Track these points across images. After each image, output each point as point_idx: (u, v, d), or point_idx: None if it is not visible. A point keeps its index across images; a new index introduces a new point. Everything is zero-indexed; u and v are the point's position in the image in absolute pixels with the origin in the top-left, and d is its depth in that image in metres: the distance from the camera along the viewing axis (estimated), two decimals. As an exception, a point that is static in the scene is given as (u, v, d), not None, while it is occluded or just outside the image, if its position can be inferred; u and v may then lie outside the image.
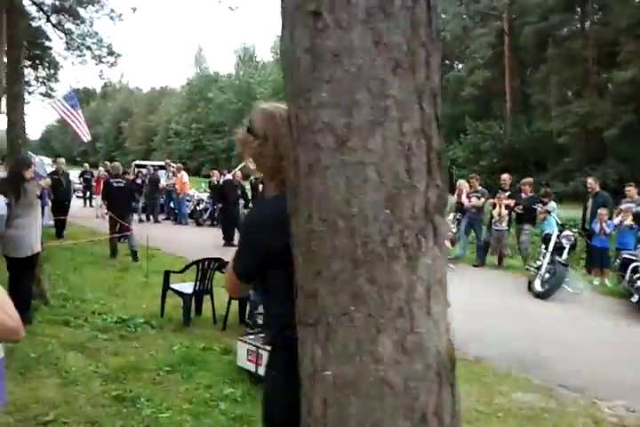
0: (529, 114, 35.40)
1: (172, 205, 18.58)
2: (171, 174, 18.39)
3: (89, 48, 17.36)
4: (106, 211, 12.14)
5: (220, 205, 14.19)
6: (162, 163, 20.89)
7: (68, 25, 16.43)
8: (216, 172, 17.91)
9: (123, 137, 74.51)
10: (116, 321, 6.06)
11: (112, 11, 16.00)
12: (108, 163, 19.65)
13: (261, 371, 4.56)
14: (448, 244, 10.84)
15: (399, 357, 1.44)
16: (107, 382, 4.49)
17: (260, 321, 4.99)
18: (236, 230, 13.25)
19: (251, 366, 4.67)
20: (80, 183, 22.50)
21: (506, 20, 35.34)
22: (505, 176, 11.94)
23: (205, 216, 17.63)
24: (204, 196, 18.28)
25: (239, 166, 19.97)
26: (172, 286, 6.49)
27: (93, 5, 16.33)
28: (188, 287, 6.37)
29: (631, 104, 28.08)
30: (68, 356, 4.91)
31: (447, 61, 45.15)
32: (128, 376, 4.62)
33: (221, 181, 15.96)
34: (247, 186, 15.16)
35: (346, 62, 1.36)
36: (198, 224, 17.50)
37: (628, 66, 27.16)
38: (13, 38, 6.36)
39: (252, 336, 4.87)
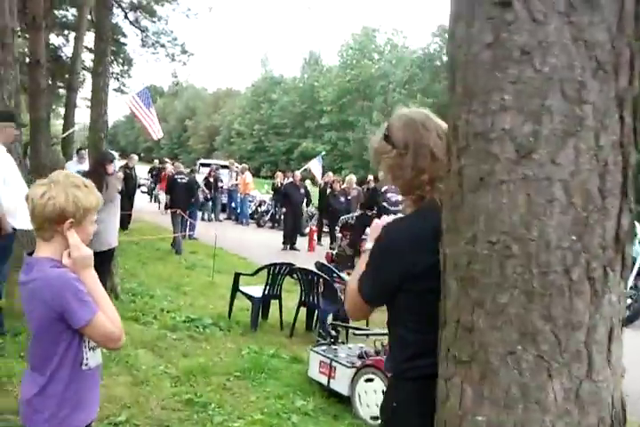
0: None
1: (233, 204, 18.68)
2: (234, 174, 18.49)
3: (163, 46, 17.68)
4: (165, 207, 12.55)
5: (283, 210, 14.09)
6: (226, 162, 21.07)
7: (145, 22, 16.79)
8: (280, 173, 17.91)
9: (187, 135, 76.08)
10: (185, 320, 6.01)
11: (188, 9, 16.22)
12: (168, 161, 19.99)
13: (334, 384, 4.41)
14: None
15: (571, 407, 1.23)
16: (177, 383, 4.41)
17: (334, 332, 4.82)
18: (297, 234, 13.19)
19: (322, 379, 4.50)
20: (147, 179, 22.98)
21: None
22: None
23: (267, 218, 17.63)
24: (267, 197, 18.29)
25: (302, 169, 20.01)
26: (241, 288, 6.40)
27: (170, 3, 16.59)
28: (257, 291, 6.27)
29: None
30: (139, 354, 4.86)
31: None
32: (198, 379, 4.53)
33: (284, 184, 15.97)
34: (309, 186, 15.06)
35: (537, 61, 1.17)
36: (259, 225, 17.51)
37: None
38: (102, 32, 6.42)
39: (324, 347, 4.71)
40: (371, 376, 4.12)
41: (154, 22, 17.26)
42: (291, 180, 14.79)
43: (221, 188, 18.39)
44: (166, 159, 25.62)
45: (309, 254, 12.90)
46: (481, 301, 1.26)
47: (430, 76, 42.68)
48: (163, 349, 5.12)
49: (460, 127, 1.28)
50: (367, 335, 4.47)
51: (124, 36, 19.05)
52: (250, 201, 18.52)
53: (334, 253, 9.96)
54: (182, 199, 11.48)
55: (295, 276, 6.23)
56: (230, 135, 65.14)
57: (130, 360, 4.68)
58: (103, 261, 5.53)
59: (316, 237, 13.61)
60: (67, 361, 1.83)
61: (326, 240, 13.87)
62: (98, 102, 6.30)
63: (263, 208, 17.88)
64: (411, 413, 1.64)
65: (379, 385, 4.03)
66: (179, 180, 11.87)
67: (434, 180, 1.63)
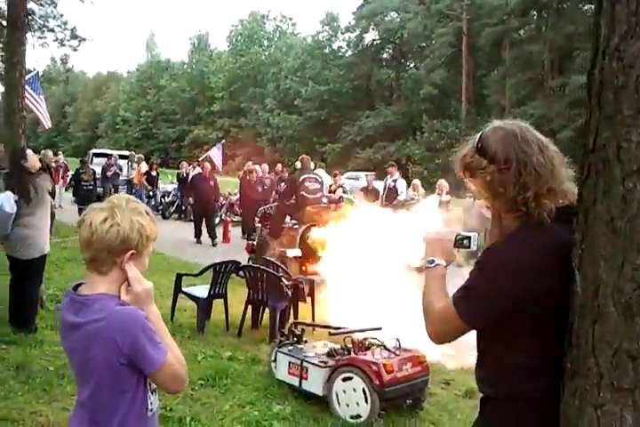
0: (485, 114, 36.01)
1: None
2: (136, 165, 17.69)
3: (52, 30, 16.41)
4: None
5: (190, 200, 13.57)
6: (125, 152, 20.09)
7: (31, 5, 15.42)
8: (185, 164, 17.34)
9: (66, 122, 71.63)
10: (126, 327, 5.65)
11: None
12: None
13: (306, 385, 4.33)
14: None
15: None
16: (140, 397, 4.13)
17: (297, 331, 4.72)
18: (213, 227, 12.81)
19: (293, 380, 4.40)
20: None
21: (464, 21, 35.85)
22: None
23: (172, 209, 17.04)
24: (171, 188, 17.67)
25: (202, 157, 19.49)
26: (184, 289, 6.12)
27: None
28: (201, 291, 6.02)
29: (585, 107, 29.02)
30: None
31: (405, 60, 45.63)
32: (160, 391, 4.26)
33: (191, 175, 15.48)
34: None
35: None
36: (164, 217, 16.88)
37: (584, 71, 27.99)
38: (16, 19, 5.79)
39: (290, 347, 4.61)
40: (348, 375, 4.08)
41: (42, 6, 15.92)
42: (199, 170, 14.34)
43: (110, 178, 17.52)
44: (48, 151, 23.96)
45: (227, 246, 12.65)
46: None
47: (321, 64, 43.07)
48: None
49: (628, 150, 1.24)
50: (344, 333, 4.41)
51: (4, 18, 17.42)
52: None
53: (254, 243, 9.82)
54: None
55: (242, 274, 6.05)
56: (115, 122, 62.21)
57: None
58: (36, 270, 5.07)
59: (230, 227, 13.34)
60: (134, 410, 1.63)
61: (237, 230, 13.59)
62: (13, 95, 5.69)
63: (168, 199, 17.25)
64: None
65: (358, 383, 4.01)
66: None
67: (539, 196, 1.56)
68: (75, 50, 17.18)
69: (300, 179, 8.95)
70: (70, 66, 29.61)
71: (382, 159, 37.18)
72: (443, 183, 12.82)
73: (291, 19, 54.14)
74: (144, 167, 17.73)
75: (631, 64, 1.21)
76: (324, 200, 9.85)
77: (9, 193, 4.78)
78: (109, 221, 1.59)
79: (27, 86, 13.78)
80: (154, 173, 17.93)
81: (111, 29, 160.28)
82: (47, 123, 14.36)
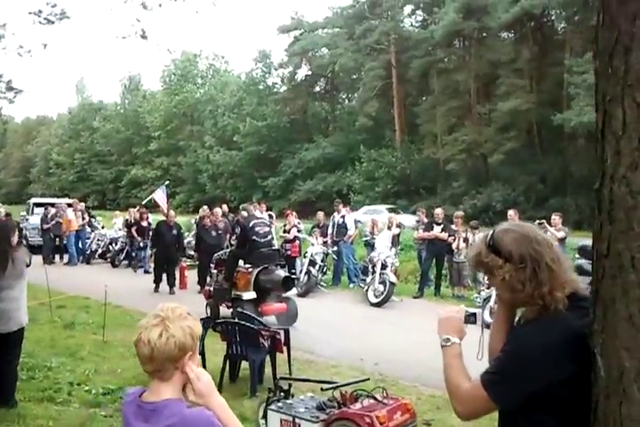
0: (418, 142, 37.23)
1: (80, 245, 17.52)
2: (80, 213, 17.35)
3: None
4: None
5: (154, 250, 13.47)
6: (69, 200, 19.67)
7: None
8: (133, 210, 17.13)
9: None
10: (104, 393, 5.57)
11: (20, 46, 14.81)
12: None
13: (299, 442, 4.39)
14: (394, 277, 11.09)
15: None
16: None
17: (285, 386, 4.80)
18: (173, 275, 12.69)
19: (287, 437, 4.47)
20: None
21: (393, 54, 37.21)
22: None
23: (121, 257, 16.73)
24: (118, 234, 17.38)
25: (145, 201, 19.27)
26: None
27: None
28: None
29: (513, 131, 30.53)
30: (80, 442, 4.45)
31: (338, 93, 46.77)
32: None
33: (152, 223, 15.35)
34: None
35: None
36: (114, 266, 16.58)
37: (509, 97, 29.51)
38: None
39: (279, 404, 4.67)
40: (342, 429, 4.19)
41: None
42: (163, 218, 14.21)
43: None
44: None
45: (184, 292, 12.54)
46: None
47: (257, 100, 43.63)
48: (100, 431, 4.72)
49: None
50: (336, 388, 4.52)
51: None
52: (87, 238, 17.72)
53: (211, 289, 9.87)
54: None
55: (218, 329, 6.09)
56: (48, 166, 60.69)
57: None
58: (15, 343, 4.98)
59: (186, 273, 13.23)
60: None
61: (193, 274, 13.43)
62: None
63: (117, 246, 16.94)
64: None
65: (352, 436, 4.12)
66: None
67: (553, 290, 1.78)
68: (11, 102, 16.85)
69: (250, 224, 9.20)
70: (5, 117, 28.70)
71: (324, 190, 37.79)
72: (392, 217, 13.23)
73: (223, 57, 54.72)
74: (70, 214, 17.34)
75: (638, 191, 1.45)
76: (274, 242, 10.23)
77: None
78: (165, 335, 1.72)
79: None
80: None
81: (36, 72, 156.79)
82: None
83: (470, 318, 2.09)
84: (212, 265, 10.42)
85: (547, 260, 1.79)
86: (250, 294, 8.78)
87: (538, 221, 11.81)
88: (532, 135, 31.19)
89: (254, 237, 9.04)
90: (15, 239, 4.99)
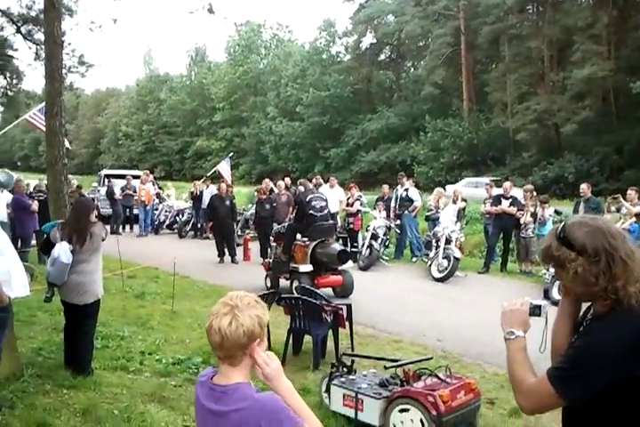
0: (487, 111, 36.10)
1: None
2: (150, 184, 17.88)
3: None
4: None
5: (210, 224, 13.72)
6: (139, 172, 20.26)
7: (39, 35, 15.62)
8: (198, 182, 17.49)
9: (68, 140, 71.99)
10: (174, 362, 5.77)
11: (92, 22, 15.31)
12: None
13: (363, 416, 4.44)
14: (458, 252, 10.92)
15: None
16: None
17: (348, 362, 4.84)
18: (229, 246, 12.94)
19: (349, 412, 4.51)
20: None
21: (462, 21, 35.94)
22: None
23: (188, 228, 17.19)
24: (185, 205, 17.85)
25: (210, 172, 19.62)
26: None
27: (72, 17, 15.55)
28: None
29: (588, 100, 29.10)
30: (151, 410, 4.60)
31: (403, 61, 45.73)
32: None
33: (205, 194, 15.66)
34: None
35: None
36: (181, 236, 17.06)
37: (584, 64, 28.02)
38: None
39: (342, 379, 4.71)
40: (405, 407, 4.19)
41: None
42: (215, 191, 14.46)
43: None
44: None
45: (247, 264, 12.79)
46: None
47: (320, 70, 43.18)
48: (170, 399, 4.87)
49: None
50: (400, 366, 4.52)
51: (14, 49, 17.74)
52: (155, 210, 18.18)
53: (270, 261, 10.06)
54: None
55: (282, 303, 6.18)
56: (117, 137, 62.54)
57: (147, 419, 4.43)
58: (91, 314, 5.21)
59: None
60: None
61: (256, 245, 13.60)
62: (56, 144, 5.83)
63: (184, 218, 17.40)
64: None
65: (415, 414, 4.12)
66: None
67: (627, 285, 1.71)
68: (83, 76, 17.40)
69: (307, 199, 9.32)
70: (77, 91, 29.77)
71: (387, 161, 37.36)
72: (457, 191, 12.96)
73: (287, 26, 54.34)
74: (152, 189, 17.86)
75: None
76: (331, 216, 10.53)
77: (64, 244, 4.92)
78: (234, 323, 1.78)
79: (39, 114, 14.00)
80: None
81: (106, 46, 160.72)
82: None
83: (535, 311, 2.02)
84: (271, 238, 10.60)
85: (621, 253, 1.72)
86: (307, 267, 9.07)
87: (612, 196, 11.34)
88: (608, 104, 29.63)
89: (311, 212, 9.27)
90: (94, 216, 5.18)
